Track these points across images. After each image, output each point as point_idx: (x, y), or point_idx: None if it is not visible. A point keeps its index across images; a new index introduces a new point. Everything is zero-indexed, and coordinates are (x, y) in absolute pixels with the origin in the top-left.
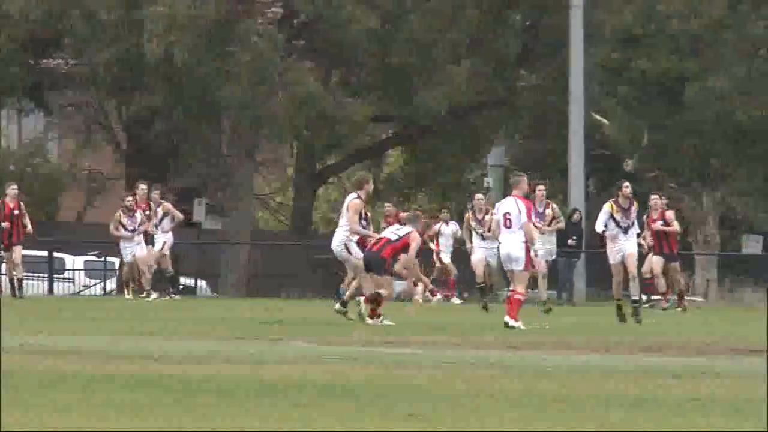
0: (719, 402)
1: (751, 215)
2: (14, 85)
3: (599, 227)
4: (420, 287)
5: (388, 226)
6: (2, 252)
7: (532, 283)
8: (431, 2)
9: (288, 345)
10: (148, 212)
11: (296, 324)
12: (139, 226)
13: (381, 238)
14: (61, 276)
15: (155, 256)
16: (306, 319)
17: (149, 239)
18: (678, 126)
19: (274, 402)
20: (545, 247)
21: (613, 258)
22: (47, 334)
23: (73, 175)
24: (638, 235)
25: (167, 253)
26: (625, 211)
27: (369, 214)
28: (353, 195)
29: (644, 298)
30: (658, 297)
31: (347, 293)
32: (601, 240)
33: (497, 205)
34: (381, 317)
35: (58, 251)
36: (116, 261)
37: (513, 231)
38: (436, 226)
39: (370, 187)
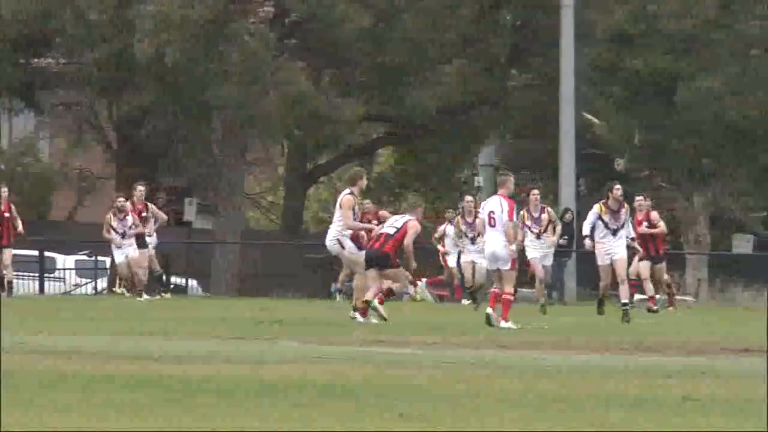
0: (719, 402)
1: (742, 215)
2: (5, 85)
3: (585, 230)
4: (414, 287)
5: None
6: None
7: (526, 283)
8: (423, 2)
9: (288, 345)
10: (144, 214)
11: (296, 324)
12: (129, 228)
13: (381, 234)
14: (52, 275)
15: (147, 258)
16: (306, 319)
17: (143, 242)
18: (670, 126)
19: (274, 402)
20: (541, 252)
21: (601, 260)
22: (47, 334)
23: (64, 174)
24: (633, 239)
25: (152, 252)
26: (614, 213)
27: (357, 208)
28: (346, 191)
29: (637, 297)
30: (644, 297)
31: (355, 301)
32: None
33: (483, 204)
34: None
35: (48, 251)
36: (107, 260)
37: (497, 230)
38: (442, 227)
39: (364, 182)
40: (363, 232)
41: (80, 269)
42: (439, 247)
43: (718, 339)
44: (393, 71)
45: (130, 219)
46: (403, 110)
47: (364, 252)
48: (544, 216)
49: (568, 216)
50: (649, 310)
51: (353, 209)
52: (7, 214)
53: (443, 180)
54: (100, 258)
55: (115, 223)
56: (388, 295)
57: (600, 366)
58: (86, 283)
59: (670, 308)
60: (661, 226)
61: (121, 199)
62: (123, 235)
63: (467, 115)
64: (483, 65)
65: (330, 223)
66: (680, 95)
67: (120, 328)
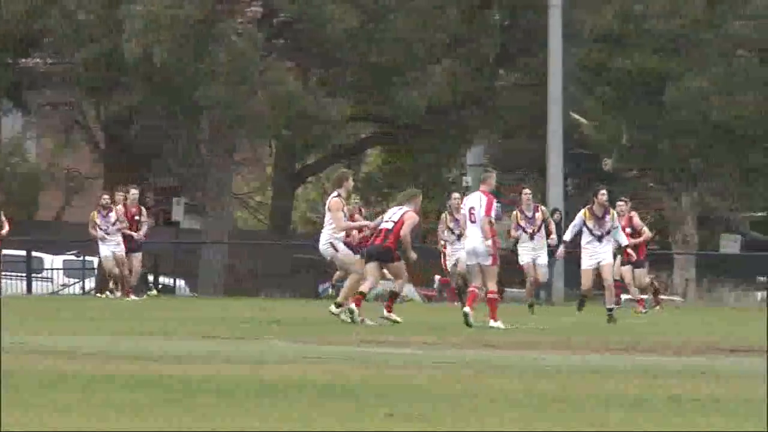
0: (719, 402)
1: (730, 215)
2: None
3: (567, 235)
4: (408, 286)
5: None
6: None
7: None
8: (412, 2)
9: (288, 345)
10: (138, 217)
11: (295, 324)
12: (113, 224)
13: (381, 230)
14: (40, 275)
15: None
16: (306, 319)
17: (137, 246)
18: (658, 126)
19: (274, 402)
20: (534, 254)
21: (585, 263)
22: (47, 334)
23: (51, 174)
24: (626, 247)
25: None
26: (599, 219)
27: (347, 209)
28: (334, 194)
29: (624, 297)
30: (631, 297)
31: (340, 296)
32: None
33: (464, 200)
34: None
35: (36, 251)
36: (95, 260)
37: (478, 225)
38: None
39: (350, 184)
40: (355, 232)
41: (68, 269)
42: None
43: (717, 339)
44: (381, 71)
45: (113, 216)
46: (392, 110)
47: (357, 254)
48: (538, 215)
49: (556, 216)
50: (637, 312)
51: (343, 210)
52: None
53: (432, 180)
54: (87, 258)
55: (98, 220)
56: (393, 298)
57: (600, 366)
58: (74, 283)
59: (657, 307)
60: (646, 232)
61: (106, 196)
62: (107, 232)
63: (456, 115)
64: (471, 65)
65: (318, 223)
66: (668, 95)
67: (120, 328)
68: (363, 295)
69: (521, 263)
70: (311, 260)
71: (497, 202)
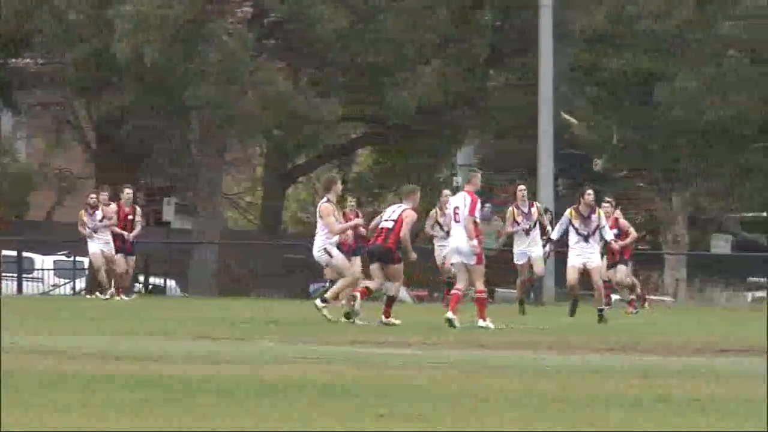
0: (719, 402)
1: (721, 215)
2: None
3: (555, 234)
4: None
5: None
6: None
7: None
8: (401, 2)
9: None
10: (131, 217)
11: (294, 324)
12: (100, 221)
13: (381, 229)
14: (31, 276)
15: (130, 263)
16: (305, 319)
17: (131, 249)
18: (648, 126)
19: (274, 402)
20: (528, 251)
21: (571, 261)
22: (47, 334)
23: (43, 174)
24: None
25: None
26: (585, 219)
27: (338, 213)
28: (323, 199)
29: (614, 297)
30: (620, 298)
31: (329, 293)
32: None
33: (449, 200)
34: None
35: (27, 251)
36: (86, 261)
37: (462, 225)
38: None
39: (339, 187)
40: (350, 232)
41: (59, 269)
42: None
43: (716, 339)
44: (372, 71)
45: (99, 214)
46: (383, 110)
47: (356, 253)
48: (534, 210)
49: (548, 216)
50: (627, 313)
51: (334, 215)
52: None
53: (422, 180)
54: (78, 258)
55: (86, 218)
56: (391, 303)
57: (600, 366)
58: (65, 284)
59: (645, 305)
60: (632, 233)
61: (93, 196)
62: (94, 230)
63: (447, 116)
64: (462, 65)
65: (308, 223)
66: (659, 95)
67: (120, 328)
68: (369, 291)
69: (516, 262)
70: (302, 260)
71: (488, 203)
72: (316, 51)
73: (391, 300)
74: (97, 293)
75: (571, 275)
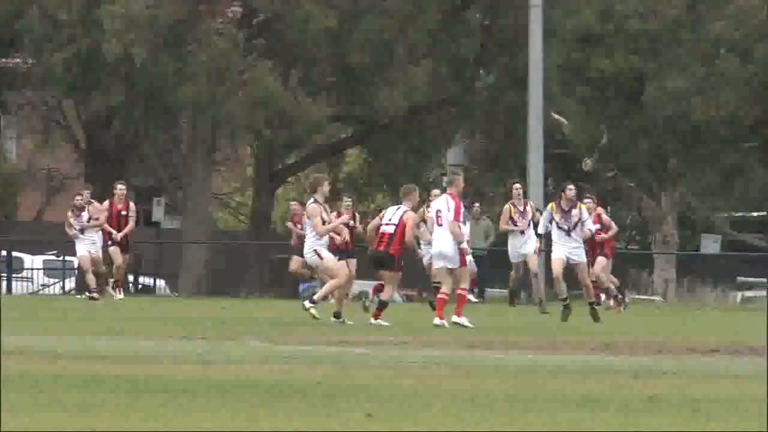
0: (719, 402)
1: (710, 215)
2: None
3: (541, 229)
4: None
5: (294, 226)
6: None
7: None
8: (389, 2)
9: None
10: (125, 212)
11: (295, 324)
12: (87, 222)
13: (384, 234)
14: (20, 275)
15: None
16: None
17: (126, 247)
18: (636, 126)
19: (265, 402)
20: (522, 250)
21: (555, 254)
22: (47, 334)
23: (31, 174)
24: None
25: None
26: (565, 213)
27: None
28: (310, 200)
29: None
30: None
31: (317, 295)
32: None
33: (432, 203)
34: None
35: (16, 250)
36: (75, 260)
37: (445, 228)
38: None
39: (326, 187)
40: (345, 231)
41: (48, 269)
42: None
43: (715, 339)
44: (359, 71)
45: (85, 215)
46: (371, 110)
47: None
48: (528, 209)
49: (538, 216)
50: (609, 309)
51: (321, 216)
52: None
53: (411, 180)
54: (67, 258)
55: (72, 220)
56: (382, 308)
57: (599, 366)
58: (54, 284)
59: (611, 304)
60: (613, 227)
61: (78, 197)
62: (81, 231)
63: (436, 115)
64: (451, 65)
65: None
66: (647, 95)
67: (120, 328)
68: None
69: (512, 261)
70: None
71: (477, 203)
72: (306, 51)
73: (383, 304)
74: (86, 293)
75: (556, 267)
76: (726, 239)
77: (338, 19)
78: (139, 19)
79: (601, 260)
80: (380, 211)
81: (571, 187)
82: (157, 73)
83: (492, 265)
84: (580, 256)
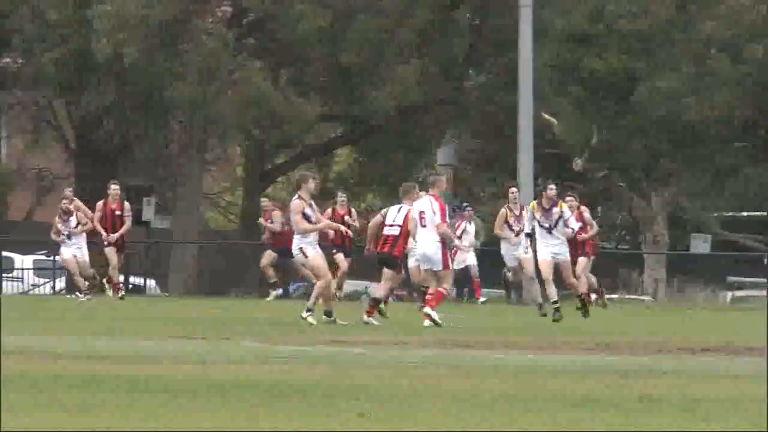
0: (719, 402)
1: (700, 215)
2: None
3: (527, 227)
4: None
5: (265, 222)
6: None
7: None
8: (380, 2)
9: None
10: (119, 212)
11: (293, 324)
12: (75, 227)
13: (388, 237)
14: (10, 275)
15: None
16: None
17: (122, 247)
18: (627, 126)
19: (259, 401)
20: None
21: (540, 255)
22: (46, 334)
23: (22, 174)
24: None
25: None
26: (546, 211)
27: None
28: (295, 197)
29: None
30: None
31: (310, 301)
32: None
33: (415, 204)
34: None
35: (6, 250)
36: None
37: (429, 230)
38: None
39: (311, 185)
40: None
41: (38, 269)
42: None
43: (714, 339)
44: (350, 71)
45: (73, 220)
46: (362, 110)
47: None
48: (524, 213)
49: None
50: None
51: (303, 212)
52: None
53: (401, 179)
54: (57, 258)
55: (60, 225)
56: (375, 305)
57: (599, 366)
58: (44, 283)
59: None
60: (595, 226)
61: (65, 201)
62: (69, 236)
63: (426, 115)
64: (442, 65)
65: (287, 223)
66: (638, 95)
67: (120, 328)
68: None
69: (507, 264)
70: (282, 260)
71: (467, 203)
72: (296, 50)
73: (376, 301)
74: (77, 293)
75: (545, 269)
76: (718, 239)
77: (329, 18)
78: (130, 18)
79: (582, 261)
80: (371, 211)
81: (552, 186)
82: (147, 73)
83: (482, 264)
84: (563, 253)
